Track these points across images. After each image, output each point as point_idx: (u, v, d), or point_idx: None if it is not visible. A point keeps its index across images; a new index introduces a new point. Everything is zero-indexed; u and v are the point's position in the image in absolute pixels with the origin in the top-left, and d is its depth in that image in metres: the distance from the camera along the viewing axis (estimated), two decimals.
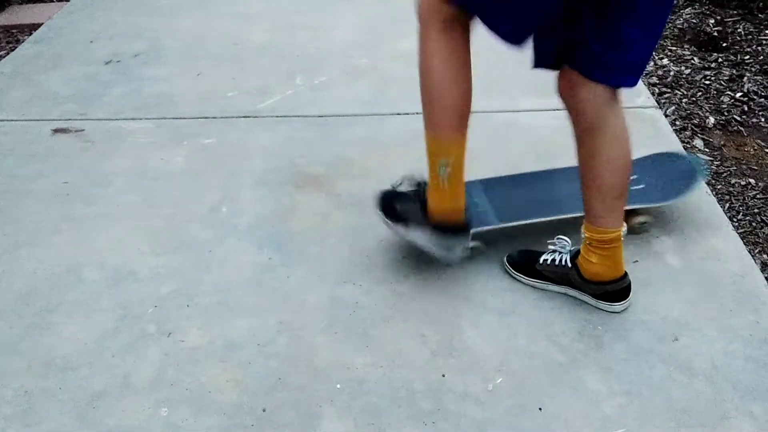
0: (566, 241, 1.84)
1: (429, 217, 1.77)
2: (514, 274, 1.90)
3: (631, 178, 1.74)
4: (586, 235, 1.74)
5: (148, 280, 1.95)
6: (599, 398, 1.58)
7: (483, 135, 2.48)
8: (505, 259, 1.93)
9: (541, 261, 1.86)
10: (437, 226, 1.76)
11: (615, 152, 1.64)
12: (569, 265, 1.81)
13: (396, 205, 1.83)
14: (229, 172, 2.40)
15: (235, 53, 3.23)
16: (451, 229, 1.77)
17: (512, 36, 1.53)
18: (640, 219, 2.01)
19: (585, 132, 1.63)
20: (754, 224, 2.18)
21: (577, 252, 1.80)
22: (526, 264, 1.89)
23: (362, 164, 2.41)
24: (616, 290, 1.77)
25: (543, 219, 1.94)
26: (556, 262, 1.83)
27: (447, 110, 1.62)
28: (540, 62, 1.65)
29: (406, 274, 1.94)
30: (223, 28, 3.49)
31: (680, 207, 2.14)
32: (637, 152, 2.40)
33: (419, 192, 1.81)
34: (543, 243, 1.90)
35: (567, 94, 1.62)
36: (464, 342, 1.73)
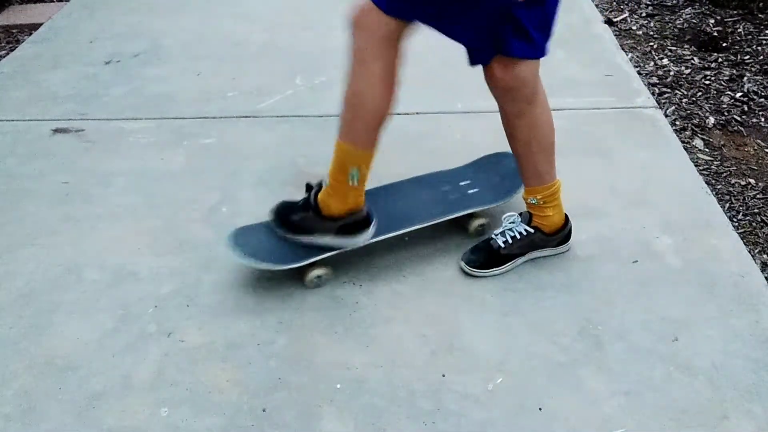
0: (513, 214, 1.95)
1: (329, 218, 1.84)
2: (485, 273, 1.91)
3: (466, 183, 2.00)
4: (538, 197, 1.88)
5: (148, 280, 1.95)
6: (599, 398, 1.58)
7: (485, 135, 2.49)
8: (464, 265, 1.92)
9: (502, 244, 1.91)
10: (342, 227, 1.84)
11: (548, 113, 1.80)
12: (531, 230, 1.92)
13: (292, 217, 1.88)
14: (229, 172, 2.40)
15: (235, 53, 3.23)
16: (355, 225, 1.85)
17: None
18: (479, 222, 2.03)
19: (526, 103, 1.74)
20: (754, 224, 2.18)
21: (527, 218, 1.93)
22: (488, 257, 1.92)
23: None
24: (568, 231, 1.97)
25: (407, 230, 1.95)
26: (518, 237, 1.91)
27: (374, 127, 1.72)
28: (477, 60, 1.73)
29: (406, 274, 1.94)
30: (223, 28, 3.49)
31: (680, 207, 2.14)
32: (640, 152, 2.41)
33: (308, 200, 1.86)
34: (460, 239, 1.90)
35: (502, 76, 1.68)
36: (464, 342, 1.73)
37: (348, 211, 1.83)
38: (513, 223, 1.94)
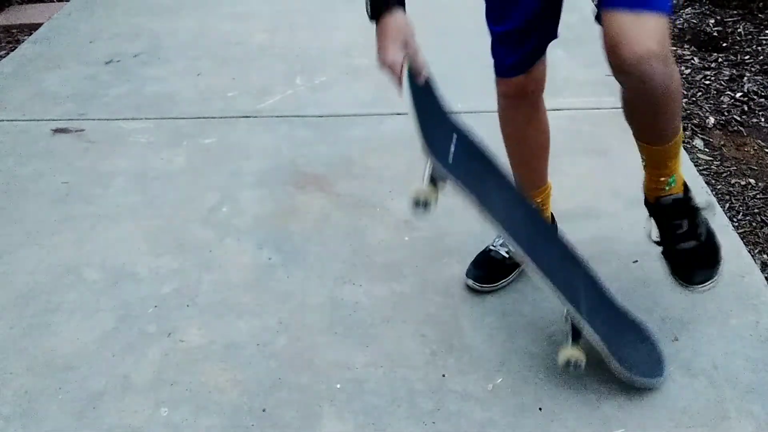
0: None
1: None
2: (494, 287, 1.86)
3: None
4: (538, 200, 1.85)
5: (148, 280, 1.95)
6: (599, 398, 1.58)
7: (485, 135, 2.48)
8: (472, 282, 1.85)
9: (505, 254, 1.86)
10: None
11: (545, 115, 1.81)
12: None
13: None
14: (229, 172, 2.40)
15: (235, 53, 3.23)
16: None
17: None
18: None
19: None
20: (754, 224, 2.18)
21: None
22: (494, 269, 1.87)
23: (362, 164, 2.41)
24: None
25: None
26: None
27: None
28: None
29: (406, 274, 1.94)
30: (223, 28, 3.49)
31: None
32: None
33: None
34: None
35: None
36: (464, 342, 1.73)
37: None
38: None
